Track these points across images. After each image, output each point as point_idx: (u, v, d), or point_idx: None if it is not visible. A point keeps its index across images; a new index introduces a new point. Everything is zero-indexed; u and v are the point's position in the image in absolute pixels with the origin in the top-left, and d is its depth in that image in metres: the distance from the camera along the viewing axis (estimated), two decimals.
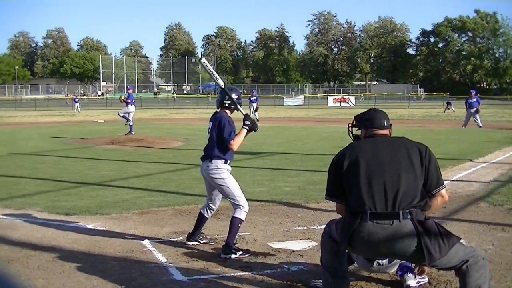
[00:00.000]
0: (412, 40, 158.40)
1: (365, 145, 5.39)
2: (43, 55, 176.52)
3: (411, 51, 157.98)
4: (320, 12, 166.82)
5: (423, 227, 4.88)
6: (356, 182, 5.11)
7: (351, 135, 5.84)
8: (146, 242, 8.20)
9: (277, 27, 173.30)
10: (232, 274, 6.70)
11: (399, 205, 4.93)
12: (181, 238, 8.41)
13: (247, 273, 6.75)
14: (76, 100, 67.27)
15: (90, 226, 9.19)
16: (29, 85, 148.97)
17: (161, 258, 7.40)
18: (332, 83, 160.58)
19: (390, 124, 5.65)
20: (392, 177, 5.05)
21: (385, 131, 5.55)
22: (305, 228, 8.99)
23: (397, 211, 4.91)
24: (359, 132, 5.71)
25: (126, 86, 30.54)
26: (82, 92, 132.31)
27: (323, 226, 8.78)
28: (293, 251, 7.69)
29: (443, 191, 5.25)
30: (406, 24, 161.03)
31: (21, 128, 35.78)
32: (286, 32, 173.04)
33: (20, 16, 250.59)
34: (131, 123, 27.47)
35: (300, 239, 8.33)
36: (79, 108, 63.80)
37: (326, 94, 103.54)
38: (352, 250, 5.37)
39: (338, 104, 74.68)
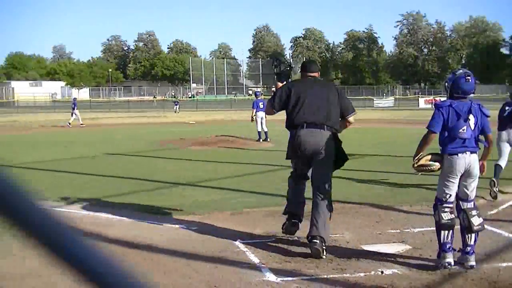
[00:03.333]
0: (506, 40, 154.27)
1: (303, 83, 8.41)
2: (134, 58, 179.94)
3: (505, 50, 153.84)
4: (408, 13, 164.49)
5: (336, 137, 8.06)
6: (297, 106, 7.97)
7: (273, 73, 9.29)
8: (238, 242, 8.25)
9: (366, 28, 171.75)
10: (325, 276, 6.67)
11: (323, 122, 7.85)
12: (274, 239, 8.44)
13: (340, 275, 6.71)
14: (176, 103, 70.36)
15: (183, 226, 9.30)
16: (122, 87, 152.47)
17: (254, 258, 7.43)
18: (422, 84, 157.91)
19: (319, 70, 8.94)
20: (319, 104, 7.94)
21: (315, 74, 8.52)
22: (398, 231, 8.85)
23: (323, 124, 7.86)
24: None
25: (255, 92, 28.78)
26: (173, 93, 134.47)
27: (417, 230, 8.78)
28: (386, 254, 7.60)
29: (351, 118, 8.33)
30: (499, 23, 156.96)
31: (115, 129, 36.59)
32: (374, 33, 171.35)
33: (112, 21, 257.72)
34: (259, 130, 25.71)
35: (393, 242, 8.22)
36: (177, 110, 66.35)
37: (416, 95, 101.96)
38: (295, 157, 8.19)
39: (429, 106, 73.27)
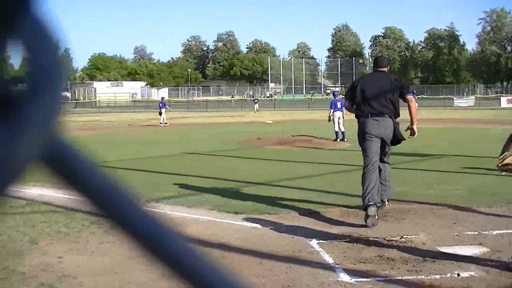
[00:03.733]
0: None
1: (367, 78, 10.71)
2: (214, 58, 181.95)
3: None
4: (492, 10, 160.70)
5: (395, 123, 9.69)
6: (364, 97, 9.75)
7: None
8: (313, 242, 8.25)
9: (447, 26, 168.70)
10: (400, 278, 6.61)
11: (384, 111, 9.59)
12: (349, 239, 8.40)
13: (414, 277, 6.64)
14: (256, 101, 71.51)
15: (258, 225, 9.36)
16: (201, 87, 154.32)
17: (328, 258, 7.42)
18: (505, 83, 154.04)
19: (388, 65, 11.00)
20: (379, 96, 9.69)
21: (384, 68, 10.36)
22: (476, 233, 8.66)
23: (384, 113, 9.58)
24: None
25: (333, 92, 29.44)
26: (251, 93, 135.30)
27: (496, 232, 8.61)
28: (463, 256, 7.45)
29: (409, 96, 9.92)
30: None
31: (193, 129, 37.01)
32: (456, 31, 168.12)
33: (192, 22, 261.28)
34: (336, 129, 25.63)
35: (471, 244, 8.06)
36: (257, 108, 67.52)
37: (498, 94, 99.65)
38: (364, 138, 9.67)
39: (511, 105, 71.48)
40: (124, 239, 0.59)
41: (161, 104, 42.20)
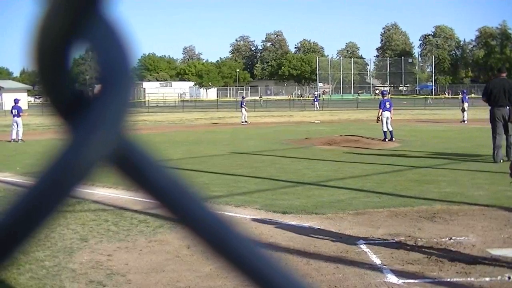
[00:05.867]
0: None
1: (494, 81, 17.28)
2: (262, 58, 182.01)
3: None
4: None
5: (510, 110, 16.66)
6: (491, 95, 16.73)
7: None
8: (360, 242, 8.22)
9: (499, 24, 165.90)
10: (448, 280, 6.55)
11: (504, 103, 16.49)
12: (396, 240, 8.34)
13: (464, 279, 6.57)
14: (316, 100, 74.15)
15: (306, 225, 9.36)
16: (249, 87, 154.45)
17: (376, 259, 7.38)
18: None
19: (506, 71, 17.84)
20: (502, 93, 16.50)
21: (503, 74, 17.52)
22: None
23: (503, 105, 16.52)
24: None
25: (382, 91, 29.30)
26: (299, 93, 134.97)
27: None
28: None
29: None
30: None
31: (242, 128, 37.05)
32: (508, 29, 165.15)
33: (241, 22, 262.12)
34: (385, 129, 25.11)
35: None
36: (318, 106, 69.60)
37: None
38: (492, 119, 16.90)
39: None
40: (190, 237, 0.60)
41: (241, 103, 43.69)
